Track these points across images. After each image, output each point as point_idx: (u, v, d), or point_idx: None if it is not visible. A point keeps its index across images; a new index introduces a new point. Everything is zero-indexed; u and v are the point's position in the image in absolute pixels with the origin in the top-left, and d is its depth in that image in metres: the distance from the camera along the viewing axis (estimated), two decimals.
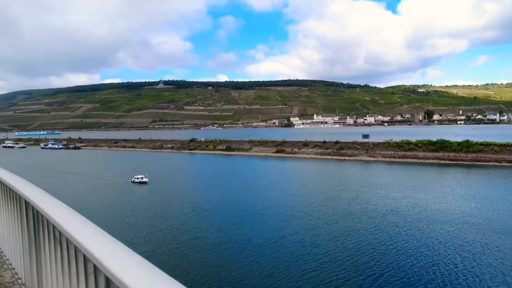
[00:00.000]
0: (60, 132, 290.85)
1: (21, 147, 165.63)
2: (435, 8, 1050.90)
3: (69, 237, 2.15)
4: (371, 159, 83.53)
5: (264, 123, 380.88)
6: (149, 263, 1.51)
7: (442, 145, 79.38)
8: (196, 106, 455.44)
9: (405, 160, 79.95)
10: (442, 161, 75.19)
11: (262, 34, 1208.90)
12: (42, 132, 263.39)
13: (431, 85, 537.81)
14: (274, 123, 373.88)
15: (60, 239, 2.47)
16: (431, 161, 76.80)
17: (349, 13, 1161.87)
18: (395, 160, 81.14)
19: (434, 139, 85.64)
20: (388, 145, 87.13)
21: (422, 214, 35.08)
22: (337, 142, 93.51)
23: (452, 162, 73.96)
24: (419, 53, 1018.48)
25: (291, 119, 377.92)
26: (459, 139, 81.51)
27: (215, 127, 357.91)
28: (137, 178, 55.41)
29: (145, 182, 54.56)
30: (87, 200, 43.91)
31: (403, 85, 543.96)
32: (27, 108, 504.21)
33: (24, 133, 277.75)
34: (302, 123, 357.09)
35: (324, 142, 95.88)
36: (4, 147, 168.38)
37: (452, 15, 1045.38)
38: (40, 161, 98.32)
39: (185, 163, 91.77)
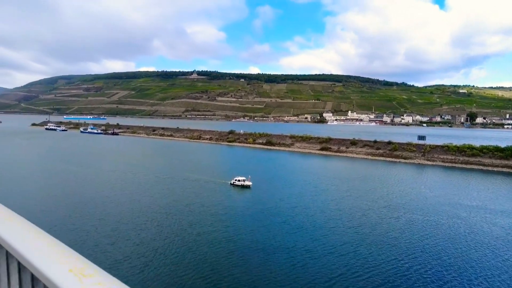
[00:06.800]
0: (105, 117, 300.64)
1: (62, 130, 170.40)
2: (489, 2, 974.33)
3: None
4: (429, 163, 77.33)
5: (295, 117, 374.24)
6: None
7: None
8: (228, 97, 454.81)
9: (468, 166, 73.32)
10: None
11: (299, 25, 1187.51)
12: (89, 117, 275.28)
13: (473, 86, 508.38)
14: (306, 118, 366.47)
15: None
16: (500, 169, 69.81)
17: (392, 7, 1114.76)
18: (456, 165, 74.69)
19: (478, 143, 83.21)
20: (447, 148, 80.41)
21: None
22: (389, 143, 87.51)
23: None
24: (465, 51, 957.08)
25: (324, 114, 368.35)
26: None
27: (246, 120, 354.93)
28: (238, 181, 47.77)
29: (248, 186, 46.87)
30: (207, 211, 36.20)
31: (443, 85, 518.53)
32: (67, 92, 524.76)
33: (72, 116, 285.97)
34: (336, 120, 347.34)
35: (375, 141, 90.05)
36: (46, 129, 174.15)
37: (509, 10, 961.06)
38: (99, 148, 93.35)
39: (249, 158, 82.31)
